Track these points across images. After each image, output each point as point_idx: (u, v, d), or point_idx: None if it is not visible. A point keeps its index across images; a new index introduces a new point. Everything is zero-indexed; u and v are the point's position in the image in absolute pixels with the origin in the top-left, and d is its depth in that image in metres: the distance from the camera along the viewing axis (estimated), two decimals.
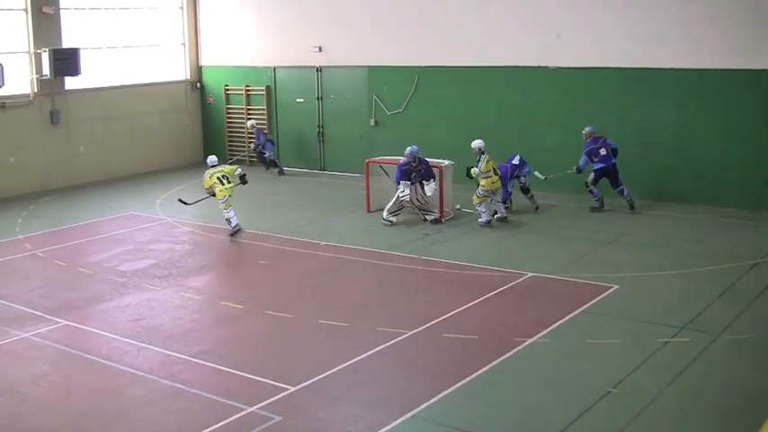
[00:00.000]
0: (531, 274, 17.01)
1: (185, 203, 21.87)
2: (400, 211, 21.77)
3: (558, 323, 14.29)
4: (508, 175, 21.63)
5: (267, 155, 29.43)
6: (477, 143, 21.32)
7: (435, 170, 21.66)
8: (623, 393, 11.70)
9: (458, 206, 22.21)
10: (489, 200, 21.14)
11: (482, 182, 20.83)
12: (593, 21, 23.53)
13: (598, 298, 15.55)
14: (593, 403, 11.34)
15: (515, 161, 21.82)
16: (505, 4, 24.98)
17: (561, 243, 19.54)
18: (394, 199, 21.62)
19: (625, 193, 22.15)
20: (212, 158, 22.06)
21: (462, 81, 25.98)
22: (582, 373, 12.45)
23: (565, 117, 24.06)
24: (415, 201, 21.63)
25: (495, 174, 20.98)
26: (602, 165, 22.05)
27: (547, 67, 24.29)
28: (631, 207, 22.15)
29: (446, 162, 22.17)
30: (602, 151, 22.01)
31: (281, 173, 29.22)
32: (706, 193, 22.44)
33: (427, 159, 21.67)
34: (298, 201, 24.83)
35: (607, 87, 23.64)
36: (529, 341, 13.53)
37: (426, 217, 21.64)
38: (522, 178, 21.94)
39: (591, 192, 22.28)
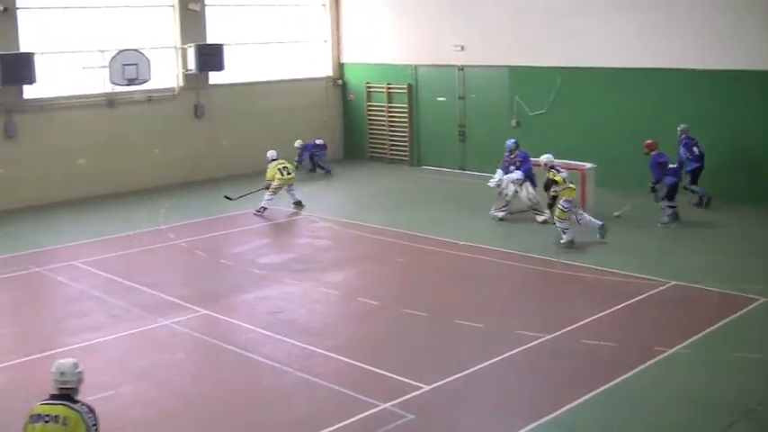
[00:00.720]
0: (673, 283, 16.53)
1: (230, 199, 22.52)
2: (507, 207, 21.98)
3: (700, 334, 13.85)
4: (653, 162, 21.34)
5: (302, 162, 29.23)
6: (545, 158, 20.46)
7: (577, 172, 21.40)
8: None
9: (616, 214, 21.57)
10: (572, 216, 19.71)
11: (562, 194, 19.72)
12: (742, 23, 22.88)
13: (744, 310, 14.99)
14: (734, 420, 10.96)
15: (671, 165, 21.35)
16: (653, 6, 24.45)
17: (705, 250, 18.95)
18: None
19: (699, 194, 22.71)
20: (272, 153, 23.76)
21: (606, 83, 25.50)
22: (724, 388, 12.01)
23: (708, 123, 23.42)
24: (526, 200, 21.77)
25: (570, 182, 19.99)
26: (697, 164, 22.24)
27: (694, 70, 23.69)
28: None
29: (588, 165, 21.84)
30: (695, 150, 22.17)
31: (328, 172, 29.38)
32: None
33: (525, 153, 22.10)
34: (437, 200, 24.76)
35: (755, 91, 22.96)
36: (669, 351, 13.15)
37: (537, 217, 21.53)
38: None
39: (693, 191, 22.52)
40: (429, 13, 29.62)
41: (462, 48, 28.68)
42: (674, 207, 21.09)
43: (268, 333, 14.21)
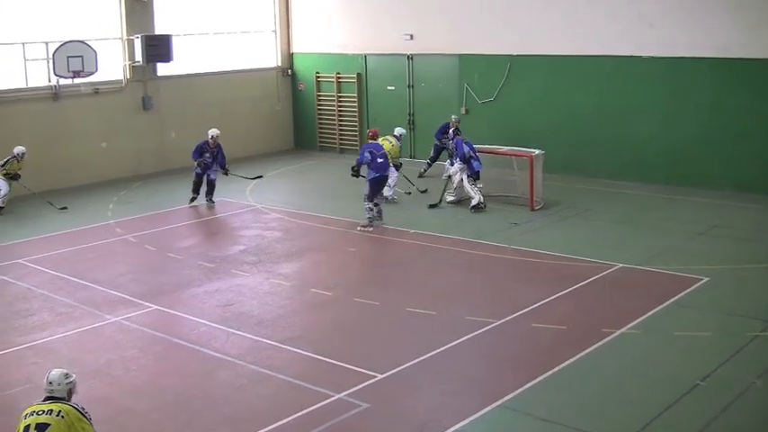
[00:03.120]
0: (620, 265, 16.80)
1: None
2: (455, 192, 22.25)
3: (647, 315, 14.13)
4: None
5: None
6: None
7: (526, 159, 21.54)
8: (711, 387, 11.56)
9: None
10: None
11: None
12: (687, 10, 23.13)
13: (688, 290, 15.32)
14: (680, 396, 11.22)
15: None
16: None
17: (651, 233, 19.27)
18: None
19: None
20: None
21: (554, 70, 25.73)
22: (670, 366, 12.32)
23: (657, 107, 23.72)
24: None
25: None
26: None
27: (640, 57, 23.94)
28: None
29: (537, 151, 21.97)
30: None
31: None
32: None
33: (459, 140, 22.17)
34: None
35: (699, 77, 23.21)
36: (617, 332, 13.39)
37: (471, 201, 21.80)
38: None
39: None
40: (378, 2, 29.59)
41: (411, 36, 28.70)
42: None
43: (220, 326, 14.19)
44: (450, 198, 22.34)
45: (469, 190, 21.66)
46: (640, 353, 12.82)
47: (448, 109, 27.75)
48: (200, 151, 22.79)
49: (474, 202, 21.54)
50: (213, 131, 22.94)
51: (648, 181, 23.62)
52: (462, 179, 21.78)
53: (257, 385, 12.01)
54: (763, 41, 22.00)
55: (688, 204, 21.78)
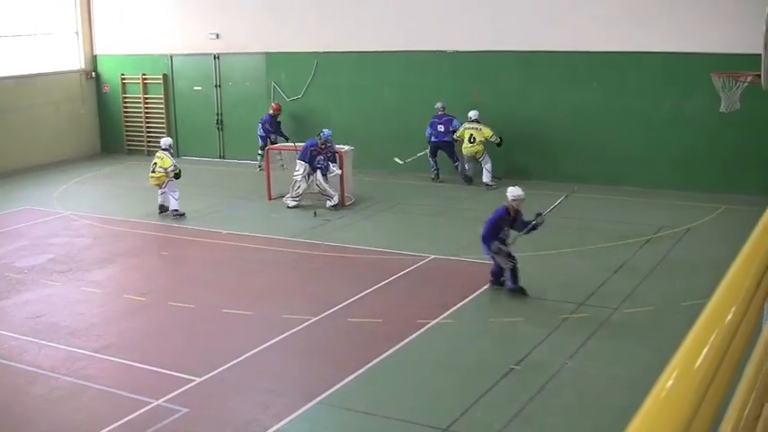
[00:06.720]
0: (432, 257, 17.16)
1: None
2: (301, 195, 21.71)
3: (460, 304, 14.48)
4: None
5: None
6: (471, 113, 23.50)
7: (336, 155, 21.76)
8: (525, 370, 11.91)
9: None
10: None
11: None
12: (490, 4, 23.73)
13: None
14: (495, 382, 11.52)
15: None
16: None
17: (462, 224, 19.75)
18: (293, 182, 21.64)
19: (459, 168, 23.79)
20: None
21: (360, 66, 26.03)
22: (485, 353, 12.67)
23: (464, 101, 24.20)
24: (314, 186, 21.63)
25: (469, 141, 22.97)
26: (436, 140, 23.72)
27: (444, 52, 24.43)
28: (468, 181, 23.77)
29: (346, 147, 22.21)
30: (440, 128, 23.56)
31: None
32: (604, 173, 22.82)
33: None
34: (198, 190, 24.56)
35: (504, 70, 23.86)
36: (432, 323, 13.67)
37: (326, 203, 21.56)
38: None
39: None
40: (183, 1, 29.33)
41: (217, 35, 28.54)
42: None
43: (31, 339, 13.80)
44: (291, 203, 21.72)
45: (327, 187, 21.47)
46: (455, 341, 13.12)
47: (257, 108, 27.75)
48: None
49: (335, 201, 21.45)
50: None
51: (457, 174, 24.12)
52: (319, 178, 21.55)
53: (74, 397, 11.77)
54: (563, 34, 22.79)
55: (497, 195, 22.22)
